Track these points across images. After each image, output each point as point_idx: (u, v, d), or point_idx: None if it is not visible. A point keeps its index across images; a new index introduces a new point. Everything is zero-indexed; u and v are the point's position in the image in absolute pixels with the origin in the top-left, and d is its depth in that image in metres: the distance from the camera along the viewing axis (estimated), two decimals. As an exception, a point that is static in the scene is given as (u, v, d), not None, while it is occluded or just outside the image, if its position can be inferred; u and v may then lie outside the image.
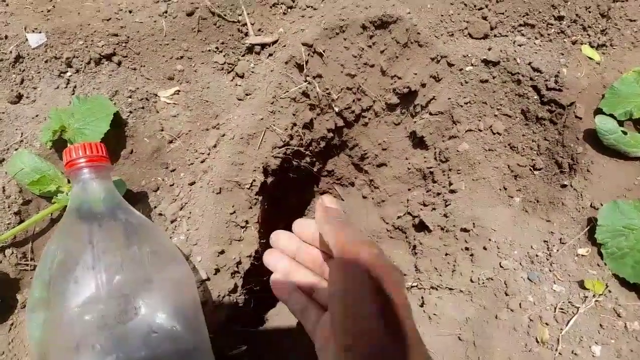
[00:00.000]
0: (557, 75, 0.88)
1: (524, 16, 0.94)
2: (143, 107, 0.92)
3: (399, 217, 1.11)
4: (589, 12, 0.92)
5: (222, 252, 0.80)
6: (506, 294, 0.78)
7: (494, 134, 0.94)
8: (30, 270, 0.80)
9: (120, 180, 0.83)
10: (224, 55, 0.98)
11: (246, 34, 0.98)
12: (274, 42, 0.97)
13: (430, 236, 0.97)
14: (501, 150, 0.94)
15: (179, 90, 0.95)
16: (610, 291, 0.76)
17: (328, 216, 0.51)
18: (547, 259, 0.80)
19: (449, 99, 0.96)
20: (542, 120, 0.91)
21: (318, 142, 1.06)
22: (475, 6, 0.96)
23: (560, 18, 0.93)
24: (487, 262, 0.83)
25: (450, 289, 0.83)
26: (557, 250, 0.80)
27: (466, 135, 0.95)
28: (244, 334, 0.89)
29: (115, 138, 0.87)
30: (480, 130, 0.94)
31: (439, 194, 1.00)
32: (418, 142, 1.05)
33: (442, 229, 0.94)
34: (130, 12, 0.94)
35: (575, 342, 0.73)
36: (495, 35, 0.96)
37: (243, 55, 0.99)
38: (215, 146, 0.90)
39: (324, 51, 0.95)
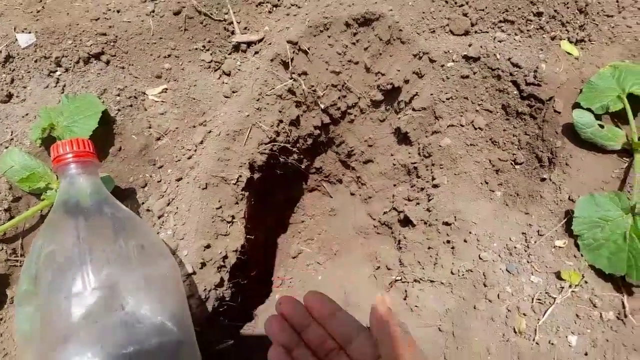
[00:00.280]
0: (536, 70, 0.90)
1: (503, 12, 0.96)
2: (131, 105, 0.93)
3: (385, 213, 1.13)
4: (567, 8, 0.94)
5: (208, 246, 0.82)
6: (485, 285, 0.80)
7: (475, 129, 0.95)
8: (19, 266, 0.82)
9: (108, 176, 0.85)
10: (211, 54, 0.99)
11: (232, 33, 1.00)
12: (260, 40, 0.99)
13: (414, 230, 0.98)
14: (482, 145, 0.96)
15: (166, 89, 0.97)
16: (586, 282, 0.78)
17: (393, 323, 0.48)
18: (525, 251, 0.82)
19: (431, 94, 0.98)
20: (522, 115, 0.92)
21: (305, 139, 1.08)
22: (456, 3, 0.98)
23: (539, 14, 0.95)
24: (467, 255, 0.84)
25: (432, 281, 0.84)
26: (535, 242, 0.82)
27: (448, 130, 0.97)
28: (232, 329, 0.91)
29: (104, 136, 0.89)
30: (462, 126, 0.96)
31: (422, 188, 1.02)
32: (402, 138, 1.07)
33: (425, 223, 0.96)
34: (118, 11, 0.96)
35: (552, 332, 0.75)
36: (475, 32, 0.98)
37: (229, 54, 1.00)
38: (201, 142, 0.91)
39: (308, 49, 0.96)
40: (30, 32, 0.93)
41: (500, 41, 0.95)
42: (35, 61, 0.93)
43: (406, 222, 1.03)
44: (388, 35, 0.97)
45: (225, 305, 0.85)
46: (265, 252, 1.22)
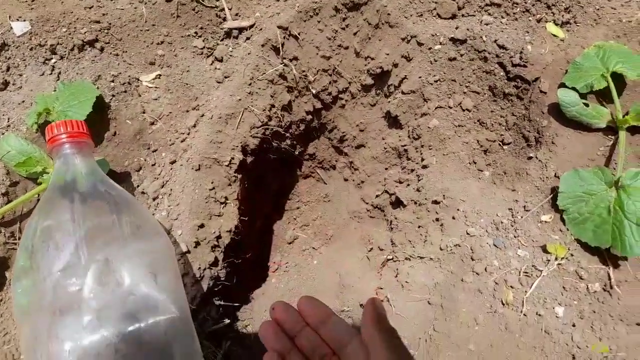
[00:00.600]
0: (522, 51, 0.92)
1: (490, -4, 0.98)
2: (125, 91, 0.95)
3: (377, 196, 1.15)
4: (553, -10, 0.96)
5: (202, 225, 0.83)
6: (472, 259, 0.82)
7: (463, 110, 0.97)
8: (17, 249, 0.83)
9: (103, 160, 0.86)
10: (203, 40, 1.01)
11: (224, 19, 1.01)
12: (251, 26, 1.01)
13: (405, 211, 1.00)
14: (470, 126, 0.98)
15: (160, 75, 0.98)
16: (572, 255, 0.80)
17: (384, 328, 0.48)
18: (512, 226, 0.84)
19: (420, 77, 1.00)
20: (509, 96, 0.94)
21: (298, 124, 1.10)
22: (443, -13, 0.99)
23: (525, -3, 0.97)
24: (455, 231, 0.86)
25: (421, 257, 0.86)
26: (521, 218, 0.84)
27: (436, 112, 0.98)
28: (227, 309, 0.92)
29: (99, 121, 0.90)
30: (450, 107, 0.98)
31: (412, 170, 1.04)
32: (393, 121, 1.09)
33: (415, 203, 0.98)
34: (111, -1, 0.97)
35: (539, 304, 0.77)
36: (462, 15, 0.99)
37: (221, 40, 1.02)
38: (194, 126, 0.93)
39: (299, 34, 0.98)
40: (25, 21, 0.94)
41: (486, 24, 0.97)
42: (31, 49, 0.94)
43: (397, 203, 1.05)
44: (377, 20, 0.98)
45: (220, 285, 0.86)
46: (261, 238, 1.23)
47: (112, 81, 0.94)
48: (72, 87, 0.89)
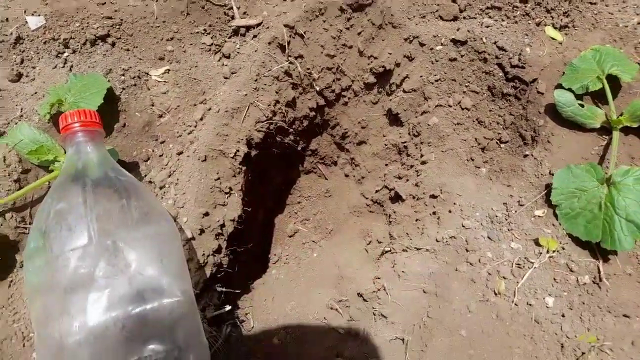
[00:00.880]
0: (521, 53, 0.95)
1: (491, -1, 1.01)
2: (135, 85, 0.98)
3: (377, 192, 1.18)
4: (552, -5, 0.99)
5: (207, 214, 0.87)
6: (467, 250, 0.84)
7: (462, 109, 1.00)
8: (27, 234, 0.86)
9: (113, 149, 0.90)
10: (212, 37, 1.04)
11: (232, 17, 1.05)
12: (258, 25, 1.04)
13: (404, 205, 1.03)
14: (469, 124, 1.01)
15: (169, 69, 1.01)
16: (563, 248, 0.82)
17: None
18: (506, 220, 0.86)
19: (421, 76, 1.03)
20: (507, 96, 0.97)
21: (301, 120, 1.13)
22: (445, -10, 1.02)
23: (525, 1, 1.00)
24: (451, 223, 0.89)
25: (418, 248, 0.89)
26: (516, 212, 0.87)
27: (436, 110, 1.02)
28: (228, 296, 0.95)
29: (109, 113, 0.94)
30: (450, 106, 1.01)
31: (412, 166, 1.07)
32: (394, 119, 1.12)
33: (413, 197, 1.01)
34: (123, -4, 1.01)
35: (530, 294, 0.79)
36: (464, 18, 1.02)
37: (229, 37, 1.05)
38: (201, 119, 0.96)
39: (304, 33, 1.01)
40: (39, 15, 0.98)
41: (487, 26, 1.00)
42: (44, 43, 0.97)
43: (396, 198, 1.08)
44: (380, 20, 1.01)
45: (222, 272, 0.89)
46: (263, 230, 1.26)
47: (123, 75, 0.98)
48: (84, 79, 0.92)
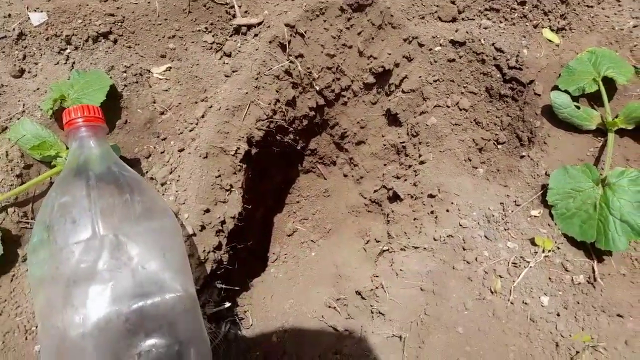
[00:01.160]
0: (518, 55, 0.96)
1: (489, 1, 1.02)
2: (137, 82, 0.99)
3: (375, 191, 1.19)
4: (549, -2, 1.00)
5: (208, 210, 0.87)
6: (464, 249, 0.86)
7: (460, 110, 1.01)
8: (30, 229, 0.87)
9: (115, 145, 0.90)
10: (213, 35, 1.05)
11: (233, 16, 1.06)
12: (259, 24, 1.05)
13: (402, 204, 1.04)
14: (467, 125, 1.02)
15: (170, 67, 1.02)
16: (559, 248, 0.84)
17: None
18: (503, 219, 0.88)
19: (420, 77, 1.04)
20: (504, 97, 0.98)
21: (301, 120, 1.14)
22: (444, -9, 1.04)
23: (523, 3, 1.01)
24: (448, 223, 0.90)
25: (416, 247, 0.90)
26: (512, 212, 0.88)
27: (435, 110, 1.03)
28: (228, 293, 0.96)
29: (111, 109, 0.94)
30: (448, 106, 1.02)
31: (410, 166, 1.08)
32: (392, 119, 1.13)
33: (411, 197, 1.02)
34: (125, -7, 1.01)
35: (525, 293, 0.81)
36: (462, 19, 1.04)
37: (230, 36, 1.06)
38: (203, 116, 0.97)
39: (305, 32, 1.02)
40: (42, 11, 0.98)
41: (485, 28, 1.01)
42: (47, 39, 0.98)
43: (394, 197, 1.09)
44: (380, 21, 1.03)
45: (222, 269, 0.90)
46: (262, 229, 1.27)
47: (125, 72, 0.98)
48: (87, 76, 0.93)
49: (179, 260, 0.71)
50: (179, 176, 0.91)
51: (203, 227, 0.86)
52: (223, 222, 0.90)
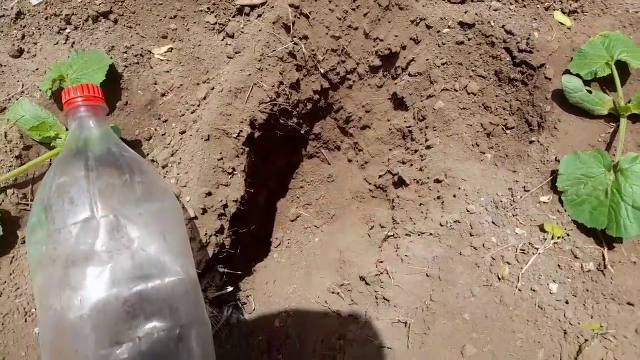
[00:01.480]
0: (529, 37, 0.93)
1: (499, -18, 0.99)
2: (138, 63, 0.97)
3: (380, 177, 1.17)
4: (561, -21, 0.97)
5: (210, 193, 0.86)
6: (471, 235, 0.84)
7: (468, 94, 0.99)
8: (29, 210, 0.86)
9: (115, 126, 0.89)
10: (215, 16, 1.03)
11: (236, -4, 1.03)
12: (263, 4, 1.02)
13: (407, 190, 1.03)
14: (475, 109, 1.00)
15: (171, 48, 1.00)
16: (568, 235, 0.82)
17: None
18: (511, 205, 0.86)
19: (427, 60, 1.02)
20: (514, 81, 0.96)
21: (305, 103, 1.12)
22: (454, -28, 1.01)
23: (534, -16, 0.98)
24: (455, 208, 0.89)
25: (421, 233, 0.89)
26: (521, 197, 0.86)
27: (442, 94, 1.00)
28: (230, 277, 0.95)
29: (111, 90, 0.93)
30: (456, 90, 1.00)
31: (416, 150, 1.06)
32: (398, 103, 1.11)
33: (417, 182, 1.00)
34: (126, -28, 0.99)
35: (534, 280, 0.79)
36: (472, 0, 1.01)
37: (233, 16, 1.04)
38: (205, 98, 0.95)
39: (310, 13, 1.00)
40: (41, -10, 0.96)
41: (495, 10, 0.98)
42: (46, 18, 0.96)
43: (400, 182, 1.07)
44: (387, 1, 1.00)
45: (224, 253, 0.89)
46: (265, 213, 1.26)
47: (125, 52, 0.96)
48: (86, 56, 0.91)
49: (180, 243, 0.70)
50: (180, 159, 0.89)
51: (205, 210, 0.85)
52: (225, 206, 0.88)
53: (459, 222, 0.86)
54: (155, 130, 0.93)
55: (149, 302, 0.62)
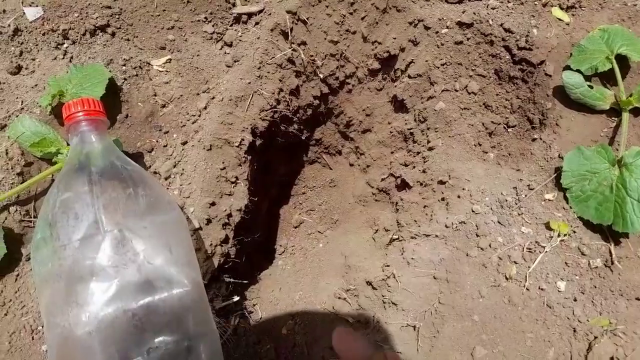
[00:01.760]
0: (528, 35, 0.93)
1: (496, -20, 0.99)
2: (137, 75, 0.97)
3: (382, 180, 1.17)
4: (558, -25, 0.97)
5: (213, 203, 0.86)
6: (477, 235, 0.84)
7: (469, 93, 0.99)
8: (32, 227, 0.85)
9: (117, 139, 0.89)
10: (213, 25, 1.03)
11: (233, 4, 1.03)
12: (260, 11, 1.02)
13: (411, 192, 1.02)
14: (476, 109, 0.99)
15: (170, 59, 1.00)
16: (574, 232, 0.81)
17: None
18: (516, 204, 0.85)
19: (427, 61, 1.01)
20: (514, 79, 0.96)
21: (305, 109, 1.12)
22: (449, -28, 1.01)
23: (530, -18, 0.98)
24: (460, 209, 0.88)
25: (427, 235, 0.88)
26: (526, 196, 0.86)
27: (443, 95, 1.00)
28: (236, 287, 0.94)
29: (111, 103, 0.92)
30: (456, 90, 1.00)
31: (418, 152, 1.05)
32: (399, 105, 1.11)
33: (421, 184, 1.00)
34: (122, -16, 0.99)
35: (541, 279, 0.79)
36: (470, 0, 1.01)
37: (231, 25, 1.04)
38: (205, 108, 0.95)
39: (307, 19, 1.00)
40: (37, 6, 0.96)
41: (493, 8, 0.98)
42: (43, 34, 0.96)
43: (403, 185, 1.07)
44: (384, 4, 1.00)
45: (230, 262, 0.88)
46: (268, 221, 1.26)
47: (124, 65, 0.96)
48: (85, 70, 0.91)
49: (185, 255, 0.70)
50: (183, 169, 0.89)
51: (209, 221, 0.84)
52: (229, 215, 0.88)
53: (464, 223, 0.85)
54: (157, 141, 0.93)
55: (156, 315, 0.61)
